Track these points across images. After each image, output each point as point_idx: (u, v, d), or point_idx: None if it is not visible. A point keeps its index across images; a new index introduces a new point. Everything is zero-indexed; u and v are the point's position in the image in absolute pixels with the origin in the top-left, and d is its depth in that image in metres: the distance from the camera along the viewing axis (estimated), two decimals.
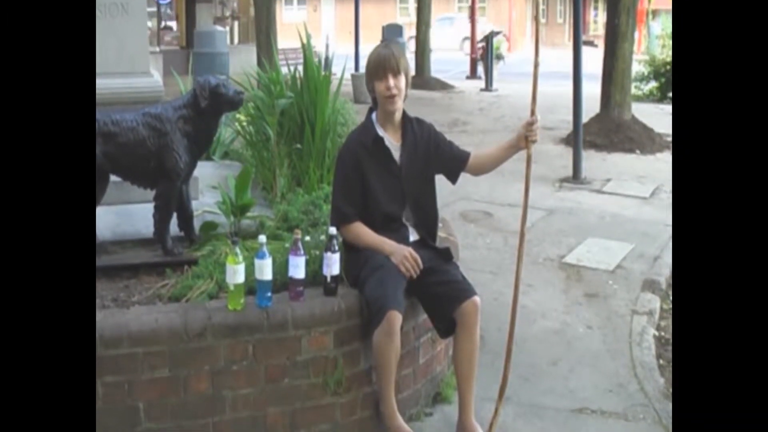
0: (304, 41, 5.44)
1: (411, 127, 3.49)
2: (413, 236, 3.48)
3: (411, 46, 19.87)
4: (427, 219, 3.53)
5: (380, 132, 3.44)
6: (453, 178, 3.62)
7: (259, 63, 10.28)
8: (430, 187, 3.53)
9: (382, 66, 3.34)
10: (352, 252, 3.43)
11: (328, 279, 3.24)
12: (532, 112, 3.41)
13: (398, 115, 3.45)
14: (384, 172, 3.42)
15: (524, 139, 3.43)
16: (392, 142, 3.45)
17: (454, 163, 3.57)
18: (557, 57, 23.52)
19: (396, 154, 3.44)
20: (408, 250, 3.29)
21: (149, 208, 3.86)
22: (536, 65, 3.36)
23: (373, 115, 3.48)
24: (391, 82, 3.33)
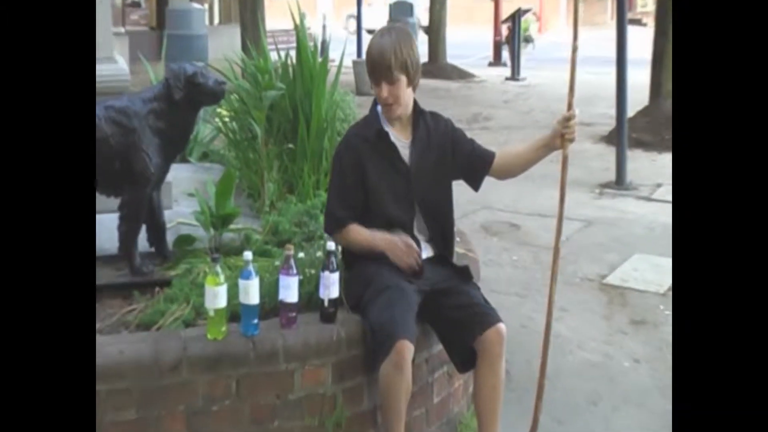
0: (297, 22, 5.48)
1: (424, 121, 3.51)
2: (427, 252, 3.49)
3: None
4: (443, 231, 3.55)
5: (385, 126, 3.46)
6: (475, 184, 3.63)
7: (244, 47, 10.32)
8: (446, 193, 3.54)
9: (373, 71, 3.36)
10: (353, 270, 3.44)
11: (326, 302, 3.26)
12: (570, 105, 3.42)
13: (405, 114, 3.46)
14: (390, 170, 3.43)
15: (560, 137, 3.44)
16: (399, 138, 3.47)
17: (477, 165, 3.58)
18: (598, 39, 23.54)
19: (404, 152, 3.46)
20: (401, 239, 3.32)
21: (113, 218, 3.88)
22: (574, 49, 3.37)
23: (379, 107, 3.51)
24: (385, 90, 3.35)
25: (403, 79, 3.35)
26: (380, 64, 3.32)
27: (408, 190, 3.44)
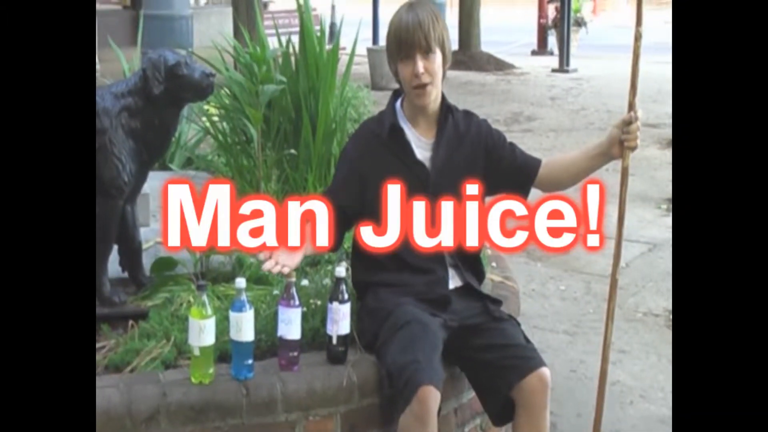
0: (301, 1, 5.51)
1: (452, 120, 3.52)
2: (454, 281, 3.50)
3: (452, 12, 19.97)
4: (470, 254, 3.56)
5: (402, 121, 3.48)
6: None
7: (236, 32, 10.39)
8: None
9: (405, 42, 3.37)
10: (367, 301, 3.46)
11: (334, 340, 3.27)
12: (631, 106, 3.42)
13: (434, 106, 3.49)
14: (405, 174, 3.43)
15: (618, 145, 3.45)
16: (421, 137, 3.48)
17: (519, 175, 3.59)
18: (664, 21, 23.52)
19: (424, 154, 3.47)
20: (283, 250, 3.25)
21: None
22: (638, 37, 3.38)
23: (398, 103, 3.52)
24: (420, 65, 3.36)
25: (439, 55, 3.39)
26: (412, 31, 3.35)
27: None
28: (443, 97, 3.51)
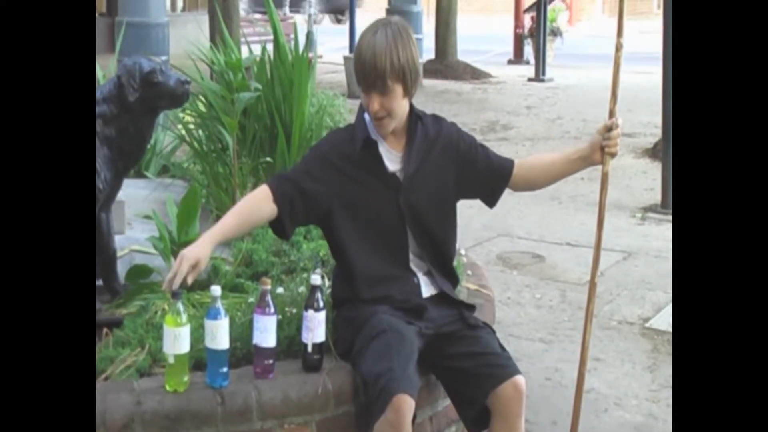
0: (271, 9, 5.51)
1: (422, 127, 3.51)
2: (428, 289, 3.51)
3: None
4: (443, 261, 3.57)
5: (374, 134, 3.46)
6: (491, 199, 3.65)
7: (213, 40, 10.38)
8: (447, 214, 3.56)
9: (363, 77, 3.33)
10: (343, 310, 3.46)
11: (309, 348, 3.27)
12: (611, 113, 3.45)
13: (399, 122, 3.44)
14: (378, 188, 3.43)
15: (599, 151, 3.47)
16: (392, 150, 3.48)
17: (493, 177, 3.60)
18: (641, 31, 23.69)
19: (395, 166, 3.47)
20: (192, 252, 3.21)
21: None
22: (618, 47, 3.41)
23: (366, 115, 3.51)
24: (376, 103, 3.33)
25: (399, 89, 3.32)
26: (372, 72, 3.29)
27: (399, 211, 3.45)
28: (411, 107, 3.47)
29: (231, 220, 3.35)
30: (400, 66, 3.28)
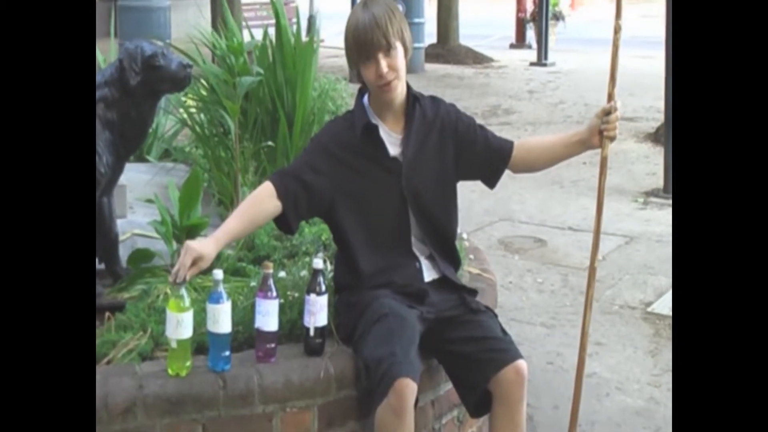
0: None
1: (420, 109, 3.50)
2: (429, 273, 3.50)
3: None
4: (444, 244, 3.57)
5: (373, 120, 3.46)
6: (491, 181, 3.65)
7: (215, 24, 10.36)
8: (447, 197, 3.56)
9: (365, 43, 3.33)
10: (345, 294, 3.46)
11: (311, 332, 3.27)
12: (610, 97, 3.44)
13: (400, 99, 3.47)
14: (380, 173, 3.43)
15: (598, 134, 3.46)
16: (391, 132, 3.47)
17: (494, 156, 3.59)
18: (642, 16, 23.64)
19: (395, 150, 3.46)
20: (197, 244, 3.20)
21: None
22: (617, 29, 3.40)
23: (365, 98, 3.50)
24: (383, 64, 3.33)
25: (400, 47, 3.35)
26: (369, 35, 3.30)
27: (401, 196, 3.44)
28: (408, 87, 3.48)
29: (236, 222, 3.34)
30: (398, 25, 3.34)
